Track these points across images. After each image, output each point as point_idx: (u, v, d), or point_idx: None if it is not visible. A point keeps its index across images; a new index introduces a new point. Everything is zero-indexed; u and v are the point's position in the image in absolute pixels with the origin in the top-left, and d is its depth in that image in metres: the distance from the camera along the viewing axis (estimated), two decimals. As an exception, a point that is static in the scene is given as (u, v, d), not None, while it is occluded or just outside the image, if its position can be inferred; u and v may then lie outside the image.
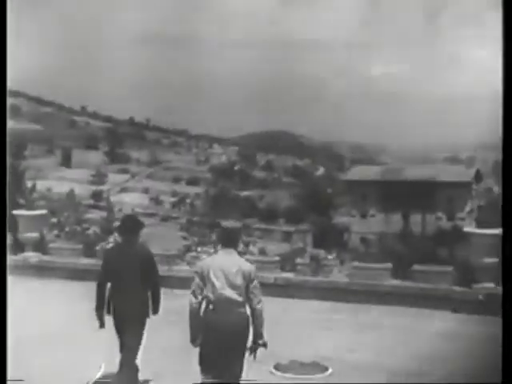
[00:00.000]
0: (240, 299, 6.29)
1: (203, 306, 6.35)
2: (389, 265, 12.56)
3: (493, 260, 11.43)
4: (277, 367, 8.38)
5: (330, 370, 8.30)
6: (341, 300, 12.09)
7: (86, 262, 14.60)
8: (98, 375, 7.71)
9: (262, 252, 24.43)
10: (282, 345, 8.71)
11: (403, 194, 58.96)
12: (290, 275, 12.97)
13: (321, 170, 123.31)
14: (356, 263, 13.01)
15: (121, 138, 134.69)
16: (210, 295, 6.28)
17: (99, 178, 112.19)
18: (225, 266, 6.31)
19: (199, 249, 13.91)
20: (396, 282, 12.25)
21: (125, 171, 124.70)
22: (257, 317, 6.35)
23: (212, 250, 13.33)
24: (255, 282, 6.36)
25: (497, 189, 78.25)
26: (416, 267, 12.28)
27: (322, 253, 13.33)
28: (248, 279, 6.31)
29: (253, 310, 6.34)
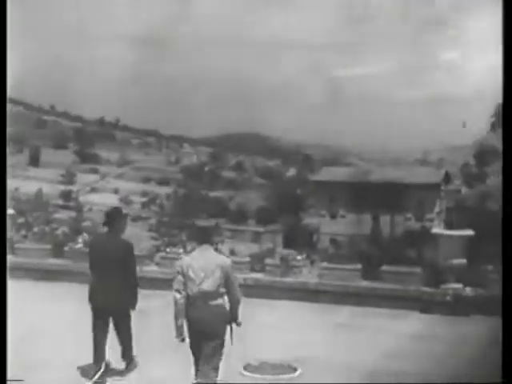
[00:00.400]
0: (218, 292, 6.67)
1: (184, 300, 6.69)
2: (358, 266, 12.62)
3: (460, 261, 11.55)
4: (246, 368, 8.37)
5: (300, 371, 8.31)
6: (310, 300, 12.12)
7: (53, 262, 14.45)
8: (98, 375, 7.69)
9: (232, 252, 24.43)
10: (252, 345, 8.70)
11: (373, 196, 59.33)
12: (259, 276, 12.97)
13: (291, 171, 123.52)
14: (325, 264, 13.05)
15: (90, 138, 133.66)
16: (190, 291, 6.64)
17: (68, 177, 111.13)
18: (203, 263, 6.68)
19: (168, 249, 13.85)
20: (365, 283, 12.32)
21: (94, 171, 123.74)
22: (235, 303, 6.80)
23: (181, 251, 13.27)
24: (233, 275, 6.79)
25: (465, 190, 79.16)
26: (385, 268, 12.36)
27: (291, 253, 13.34)
28: (226, 272, 6.69)
29: (232, 299, 6.77)
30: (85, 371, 8.03)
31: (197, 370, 6.86)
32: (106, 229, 7.92)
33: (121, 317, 7.90)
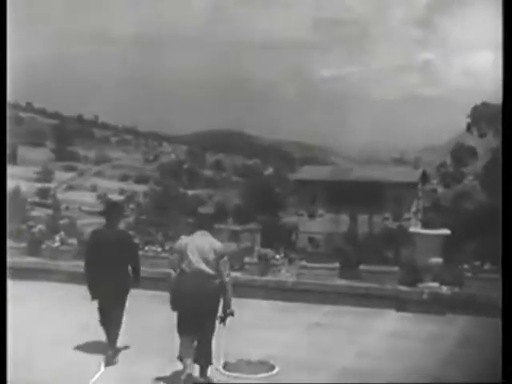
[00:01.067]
0: (212, 272, 7.42)
1: (180, 277, 7.45)
2: (336, 264, 12.67)
3: (437, 260, 11.65)
4: (225, 366, 8.38)
5: (277, 369, 8.34)
6: (288, 299, 12.15)
7: (30, 260, 14.35)
8: (98, 375, 7.70)
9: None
10: (230, 344, 8.72)
11: (351, 195, 59.52)
12: (238, 274, 12.95)
13: (270, 170, 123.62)
14: (304, 263, 13.08)
15: (68, 135, 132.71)
16: (187, 268, 7.41)
17: (45, 175, 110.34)
18: (199, 245, 7.49)
19: (147, 247, 13.77)
20: (343, 282, 12.37)
21: (72, 169, 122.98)
22: (225, 289, 7.54)
23: (159, 249, 13.23)
24: (224, 258, 7.55)
25: (442, 190, 79.77)
26: (363, 267, 12.42)
27: (270, 252, 13.35)
28: (218, 255, 7.49)
29: (222, 282, 7.49)
30: (92, 349, 8.73)
31: (187, 351, 7.38)
32: (104, 221, 8.72)
33: (116, 304, 8.56)
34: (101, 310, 8.56)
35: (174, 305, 7.54)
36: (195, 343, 7.49)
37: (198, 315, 7.41)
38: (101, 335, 8.63)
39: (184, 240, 7.70)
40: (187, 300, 7.39)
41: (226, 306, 7.57)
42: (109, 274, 8.38)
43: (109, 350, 8.34)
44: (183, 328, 7.47)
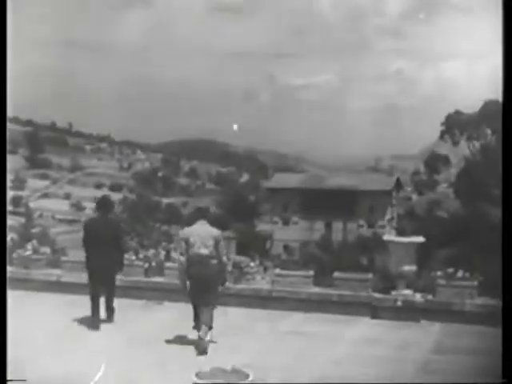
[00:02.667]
0: (211, 255, 9.16)
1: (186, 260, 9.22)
2: (311, 272, 12.67)
3: (411, 267, 11.69)
4: (198, 375, 8.31)
5: (252, 377, 8.29)
6: (263, 307, 12.11)
7: (2, 269, 14.14)
8: (98, 375, 7.62)
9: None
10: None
11: (326, 202, 59.74)
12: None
13: (244, 178, 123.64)
14: (278, 270, 13.06)
15: (41, 143, 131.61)
16: (191, 252, 9.15)
17: (18, 183, 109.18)
18: (200, 232, 9.23)
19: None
20: (318, 289, 12.37)
21: (45, 177, 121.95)
22: (223, 266, 9.57)
23: (133, 257, 13.14)
24: (221, 243, 9.36)
25: (415, 197, 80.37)
26: (337, 274, 12.43)
27: (245, 260, 13.31)
28: (216, 240, 9.27)
29: (220, 261, 9.35)
30: (84, 322, 10.24)
31: (197, 318, 9.28)
32: (98, 213, 10.45)
33: (109, 280, 10.34)
34: (94, 285, 10.21)
35: (184, 282, 9.27)
36: (202, 311, 9.18)
37: (201, 289, 9.10)
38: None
39: (188, 229, 9.42)
40: (193, 277, 9.13)
41: (224, 278, 9.65)
42: (101, 253, 10.02)
43: (94, 318, 10.02)
44: (193, 300, 9.32)
